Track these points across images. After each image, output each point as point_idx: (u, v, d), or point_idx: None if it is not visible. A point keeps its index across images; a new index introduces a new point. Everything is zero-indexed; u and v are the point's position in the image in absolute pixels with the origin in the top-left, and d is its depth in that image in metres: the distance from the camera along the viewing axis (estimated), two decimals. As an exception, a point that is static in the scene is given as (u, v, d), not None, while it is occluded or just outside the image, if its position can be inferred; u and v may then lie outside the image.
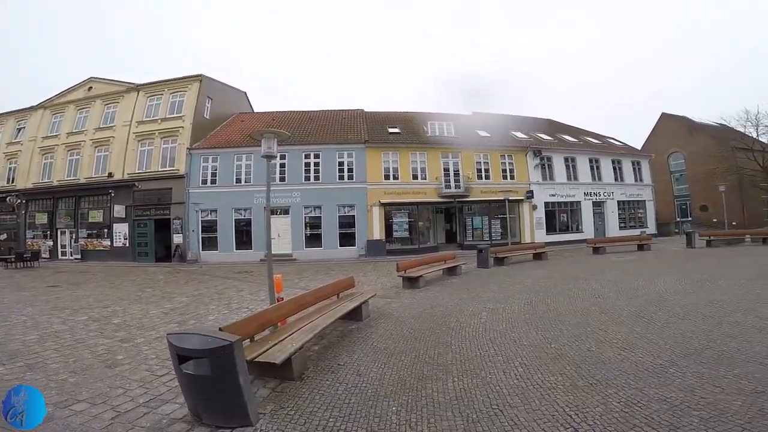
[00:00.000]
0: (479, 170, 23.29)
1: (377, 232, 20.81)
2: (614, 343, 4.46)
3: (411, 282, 9.79)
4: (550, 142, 25.97)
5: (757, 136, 26.45)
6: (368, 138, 22.00)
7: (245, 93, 30.56)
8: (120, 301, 9.31)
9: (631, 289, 7.96)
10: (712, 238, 17.92)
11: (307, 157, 21.37)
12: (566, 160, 25.31)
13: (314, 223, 21.09)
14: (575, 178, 25.25)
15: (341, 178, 21.33)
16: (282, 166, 21.21)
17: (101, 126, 23.47)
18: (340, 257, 19.88)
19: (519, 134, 25.85)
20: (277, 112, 27.19)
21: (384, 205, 21.12)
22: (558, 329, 5.30)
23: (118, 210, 21.53)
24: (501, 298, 7.90)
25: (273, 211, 21.04)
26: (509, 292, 8.47)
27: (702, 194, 33.06)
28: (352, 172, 21.40)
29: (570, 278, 10.02)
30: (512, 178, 23.69)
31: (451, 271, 11.87)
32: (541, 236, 22.90)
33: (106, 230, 22.00)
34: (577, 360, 4.01)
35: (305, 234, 20.87)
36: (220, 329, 3.42)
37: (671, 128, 35.98)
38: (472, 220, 23.24)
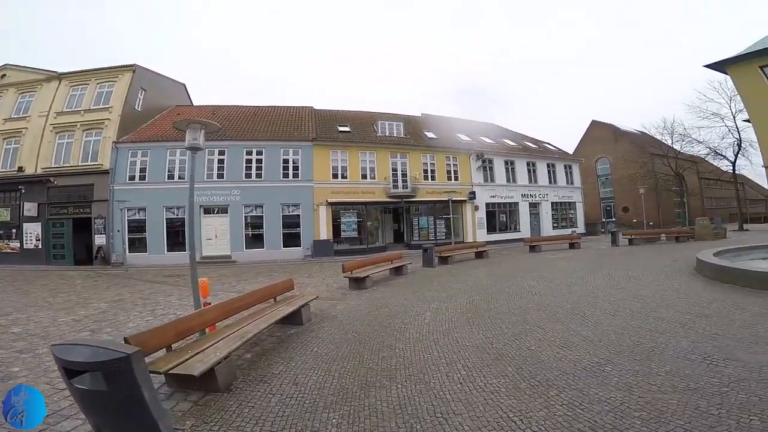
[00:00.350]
0: (426, 171, 23.67)
1: (324, 232, 20.30)
2: (553, 342, 4.55)
3: (357, 283, 9.54)
4: (493, 145, 27.13)
5: (672, 143, 29.68)
6: (316, 135, 21.40)
7: (184, 85, 28.42)
8: (26, 308, 8.15)
9: (565, 286, 8.36)
10: (633, 237, 19.71)
11: (249, 153, 20.26)
12: (506, 163, 26.59)
13: (256, 223, 20.06)
14: (514, 181, 26.60)
15: (286, 176, 20.49)
16: (221, 162, 19.95)
17: (12, 116, 20.51)
18: (284, 258, 19.10)
19: (464, 137, 26.69)
20: (219, 105, 25.56)
21: (331, 204, 20.66)
22: (498, 328, 5.35)
23: (29, 208, 18.89)
24: (444, 297, 7.92)
25: (210, 210, 19.69)
26: (452, 291, 8.54)
27: (624, 197, 36.59)
28: (298, 170, 20.68)
29: (509, 276, 10.38)
30: (456, 179, 24.37)
31: (398, 271, 11.81)
32: (483, 236, 23.83)
33: (14, 230, 19.22)
34: (519, 361, 4.00)
35: (246, 234, 19.77)
36: (125, 339, 3.00)
37: (599, 135, 39.45)
38: (418, 220, 23.55)
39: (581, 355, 4.02)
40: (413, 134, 25.04)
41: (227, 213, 19.64)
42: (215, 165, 19.85)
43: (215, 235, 19.58)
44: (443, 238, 22.99)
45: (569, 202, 29.55)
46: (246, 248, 19.52)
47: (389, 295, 8.58)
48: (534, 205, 27.44)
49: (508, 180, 26.40)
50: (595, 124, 40.91)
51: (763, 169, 19.60)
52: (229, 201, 19.61)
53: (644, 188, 27.65)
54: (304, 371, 4.14)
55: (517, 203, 26.61)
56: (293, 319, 6.06)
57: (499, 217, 26.24)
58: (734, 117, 24.77)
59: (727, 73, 19.89)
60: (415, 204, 23.26)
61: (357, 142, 22.24)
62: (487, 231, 24.81)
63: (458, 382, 3.58)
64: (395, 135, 24.05)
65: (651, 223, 31.20)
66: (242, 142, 20.21)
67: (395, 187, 22.25)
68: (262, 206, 19.91)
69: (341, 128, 23.40)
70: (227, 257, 19.07)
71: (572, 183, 29.92)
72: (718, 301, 5.93)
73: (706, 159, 29.61)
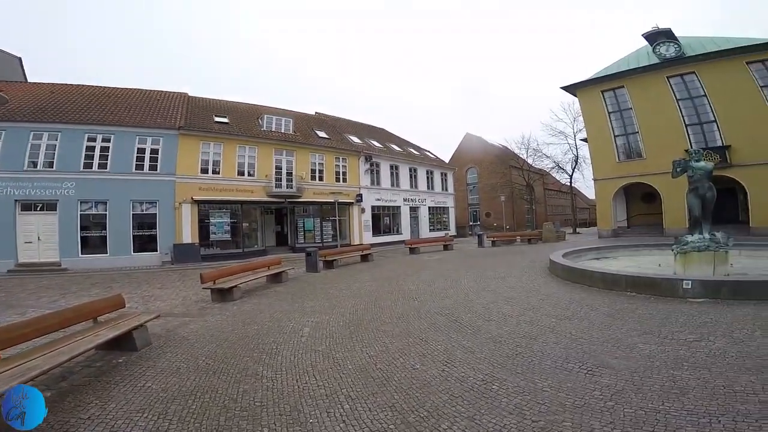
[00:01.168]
0: (314, 171, 22.67)
1: (188, 235, 17.51)
2: (436, 357, 4.18)
3: (222, 294, 8.09)
4: (381, 149, 27.59)
5: (527, 157, 34.59)
6: (185, 124, 18.37)
7: (20, 59, 21.86)
8: None
9: (442, 289, 8.37)
10: (495, 239, 22.02)
11: (92, 140, 16.30)
12: (392, 167, 27.32)
13: (97, 223, 16.20)
14: (398, 185, 27.50)
15: (140, 168, 17.07)
16: (50, 148, 15.61)
17: None
18: (136, 265, 15.82)
19: (354, 138, 26.50)
20: (61, 84, 19.99)
21: (198, 202, 17.97)
22: (382, 343, 4.82)
23: None
24: (327, 307, 7.18)
25: (31, 206, 15.24)
26: (335, 300, 7.85)
27: (487, 203, 41.39)
28: (157, 161, 17.40)
29: (392, 279, 10.21)
30: (344, 180, 23.97)
31: (276, 278, 10.60)
32: (368, 238, 23.92)
33: None
34: (405, 385, 3.48)
35: (81, 236, 15.79)
36: None
37: (470, 146, 43.96)
38: (304, 222, 22.37)
39: (466, 372, 3.70)
40: (303, 132, 23.79)
41: (56, 210, 15.41)
42: (42, 151, 15.43)
43: (38, 238, 15.20)
44: (330, 240, 22.28)
45: (444, 207, 31.95)
46: (82, 254, 15.63)
47: (262, 307, 7.43)
48: (414, 209, 28.81)
49: (392, 184, 27.13)
50: (468, 136, 45.55)
51: (593, 181, 24.03)
52: (60, 195, 15.44)
53: (504, 196, 31.53)
54: (128, 415, 3.06)
55: (399, 207, 27.53)
56: (124, 345, 4.65)
57: (384, 219, 26.76)
58: (575, 136, 30.13)
59: (576, 96, 24.05)
60: (300, 205, 22.02)
61: (236, 135, 19.94)
62: (373, 233, 25.02)
63: (341, 421, 2.86)
64: (283, 131, 22.44)
65: (508, 227, 35.84)
66: (84, 126, 16.13)
67: (278, 186, 20.65)
68: (105, 203, 16.18)
69: (218, 119, 20.74)
70: (55, 264, 15.02)
71: (447, 189, 32.45)
72: (575, 303, 6.40)
73: (550, 172, 35.46)
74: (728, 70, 17.92)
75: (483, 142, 43.81)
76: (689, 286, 6.27)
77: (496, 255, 15.88)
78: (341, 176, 23.95)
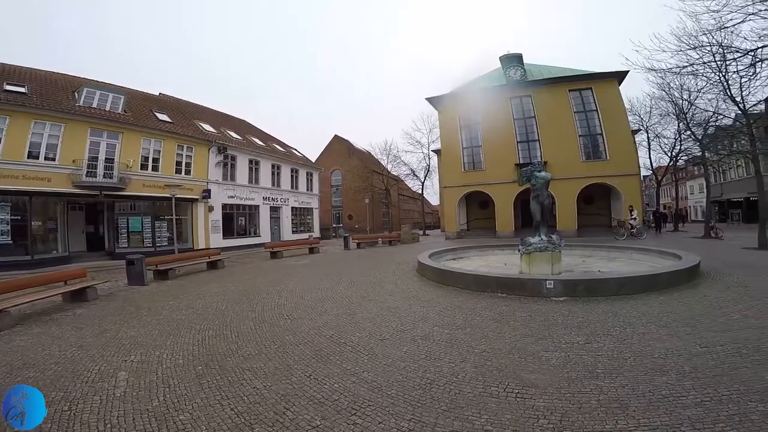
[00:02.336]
0: (146, 159, 18.32)
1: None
2: (339, 404, 3.07)
3: (-30, 331, 5.12)
4: (239, 141, 24.45)
5: (387, 163, 35.92)
6: None
7: None
8: None
9: (317, 302, 7.21)
10: (360, 241, 21.91)
11: None
12: (251, 162, 24.53)
13: None
14: (257, 182, 24.88)
15: None
16: None
17: None
18: None
19: (206, 126, 22.71)
20: None
21: (-51, 189, 12.18)
22: (252, 390, 3.42)
23: None
24: (156, 336, 5.20)
25: None
26: (170, 324, 5.85)
27: (350, 205, 41.80)
28: None
29: (252, 293, 8.39)
30: (188, 173, 20.21)
31: (79, 296, 7.63)
32: (218, 241, 20.79)
33: None
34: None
35: None
36: None
37: (338, 149, 43.69)
38: (128, 222, 17.81)
39: (386, 423, 2.72)
40: (137, 112, 19.00)
41: None
42: None
43: None
44: (165, 244, 18.31)
45: (308, 208, 30.60)
46: None
47: (48, 341, 4.96)
48: (275, 209, 26.61)
49: (251, 180, 24.36)
50: (336, 139, 45.22)
51: (439, 188, 26.20)
52: None
53: (368, 199, 32.13)
54: None
55: (258, 206, 24.94)
56: None
57: (238, 220, 23.76)
58: (429, 146, 32.74)
59: (437, 108, 25.93)
60: (124, 200, 17.45)
61: (33, 108, 14.40)
62: (224, 235, 21.86)
63: None
64: (108, 109, 17.40)
65: (368, 229, 36.83)
66: None
67: (91, 174, 15.86)
68: None
69: (11, 87, 14.67)
70: None
71: (312, 190, 31.20)
72: (458, 309, 6.14)
73: (405, 179, 37.93)
74: (554, 96, 22.02)
75: (349, 145, 44.18)
76: (551, 286, 6.74)
77: (364, 257, 15.52)
78: (184, 167, 20.09)
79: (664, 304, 5.79)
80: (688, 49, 9.68)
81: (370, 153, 39.86)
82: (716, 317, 5.07)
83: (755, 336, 4.24)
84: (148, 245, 17.84)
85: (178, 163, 19.86)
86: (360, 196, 36.07)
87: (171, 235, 18.45)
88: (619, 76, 20.89)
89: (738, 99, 12.99)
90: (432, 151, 33.09)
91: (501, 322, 5.21)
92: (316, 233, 30.31)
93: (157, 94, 24.50)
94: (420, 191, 34.78)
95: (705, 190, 36.28)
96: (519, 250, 9.46)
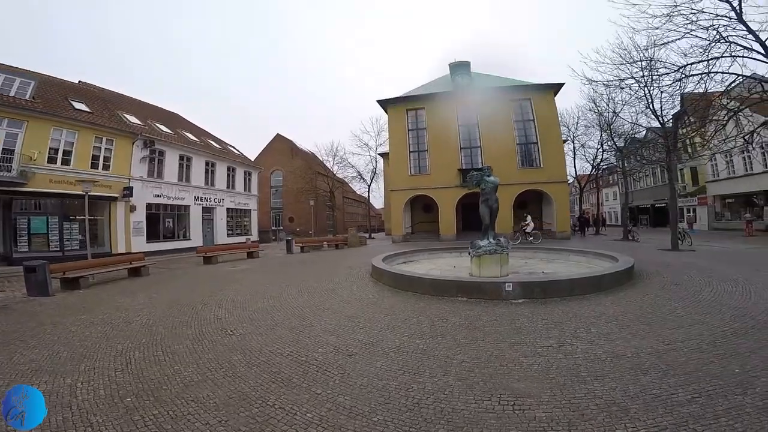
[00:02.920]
0: (55, 151, 15.84)
1: None
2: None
3: None
4: (169, 135, 22.16)
5: (333, 165, 34.95)
6: None
7: None
8: None
9: (265, 312, 6.49)
10: (304, 245, 20.97)
11: None
12: (182, 158, 22.41)
13: None
14: (188, 180, 22.81)
15: None
16: None
17: None
18: None
19: (131, 117, 20.24)
20: None
21: None
22: (204, 425, 2.79)
23: None
24: (65, 359, 4.26)
25: None
26: (83, 344, 4.86)
27: (291, 207, 40.21)
28: None
29: (185, 304, 7.31)
30: (107, 168, 17.88)
31: (-41, 317, 6.11)
32: (141, 244, 18.67)
33: None
34: None
35: None
36: None
37: (280, 148, 41.78)
38: (29, 221, 15.21)
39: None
40: (49, 99, 16.35)
41: None
42: None
43: None
44: (77, 248, 15.93)
45: (246, 209, 28.79)
46: None
47: None
48: (208, 210, 24.61)
49: (181, 178, 22.23)
50: (278, 137, 43.22)
51: (385, 192, 26.12)
52: None
53: (313, 201, 31.06)
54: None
55: (188, 206, 22.85)
56: None
57: (165, 221, 21.54)
58: (376, 148, 32.51)
59: (387, 110, 25.74)
60: (25, 197, 14.86)
61: None
62: (148, 239, 19.66)
63: None
64: (13, 95, 14.69)
65: (311, 232, 35.69)
66: None
67: (-20, 165, 13.24)
68: None
69: None
70: None
71: (250, 190, 29.41)
72: (423, 315, 5.83)
73: (351, 182, 37.46)
74: (496, 105, 22.87)
75: (292, 145, 42.53)
76: (510, 289, 6.75)
77: (311, 262, 14.74)
78: (102, 162, 17.71)
79: (615, 304, 6.04)
80: (621, 64, 10.54)
81: (314, 154, 38.76)
82: (665, 315, 5.36)
83: (706, 331, 4.50)
84: (55, 249, 15.42)
85: (95, 158, 17.46)
86: (302, 198, 34.85)
87: (83, 238, 16.03)
88: (555, 87, 22.51)
89: (659, 113, 14.57)
90: (378, 154, 33.04)
91: (470, 329, 5.02)
92: (255, 236, 28.62)
93: (77, 81, 21.45)
94: (366, 194, 34.48)
95: (618, 197, 40.92)
96: (469, 253, 9.50)
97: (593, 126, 24.66)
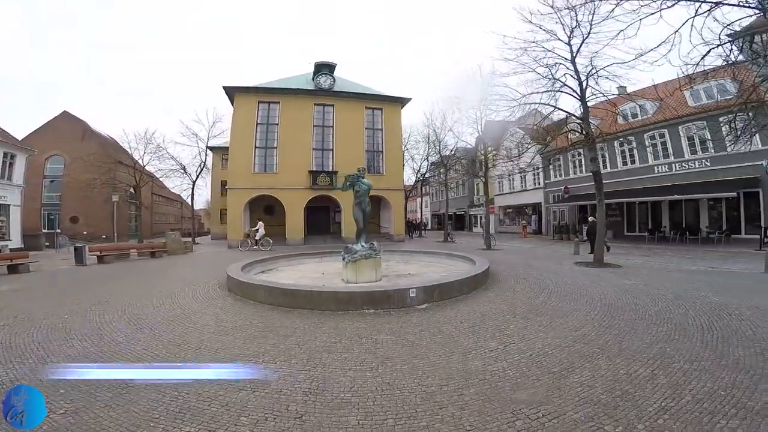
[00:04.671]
0: None
1: None
2: None
3: None
4: None
5: (144, 153, 27.71)
6: None
7: None
8: None
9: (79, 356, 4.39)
10: (105, 253, 16.14)
11: None
12: None
13: None
14: None
15: None
16: None
17: None
18: None
19: None
20: None
21: None
22: None
23: None
24: None
25: None
26: None
27: (75, 204, 30.65)
28: None
29: None
30: None
31: None
32: None
33: None
34: None
35: None
36: None
37: (66, 129, 31.00)
38: None
39: None
40: None
41: None
42: None
43: None
44: None
45: (1, 205, 20.30)
46: None
47: None
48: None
49: None
50: (65, 116, 31.84)
51: (211, 190, 23.08)
52: None
53: (117, 197, 24.40)
54: None
55: None
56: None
57: None
58: (208, 140, 27.69)
59: (233, 99, 22.39)
60: None
61: None
62: None
63: None
64: None
65: (104, 236, 28.09)
66: None
67: None
68: None
69: None
70: None
71: (11, 179, 20.88)
72: (346, 338, 4.91)
73: (167, 177, 30.95)
74: (352, 110, 23.26)
75: (85, 126, 32.20)
76: (414, 295, 6.67)
77: (123, 278, 11.03)
78: None
79: (506, 301, 6.75)
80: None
81: (116, 141, 30.51)
82: (543, 306, 6.32)
83: (581, 318, 5.47)
84: None
85: None
86: (93, 193, 27.01)
87: None
88: (404, 102, 24.66)
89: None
90: (209, 147, 28.71)
91: (408, 345, 4.54)
92: (16, 242, 20.53)
93: None
94: (189, 191, 29.27)
95: (429, 206, 48.21)
96: (344, 258, 9.15)
97: (423, 140, 28.26)
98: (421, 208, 36.89)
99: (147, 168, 28.89)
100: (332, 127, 23.14)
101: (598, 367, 3.72)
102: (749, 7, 5.25)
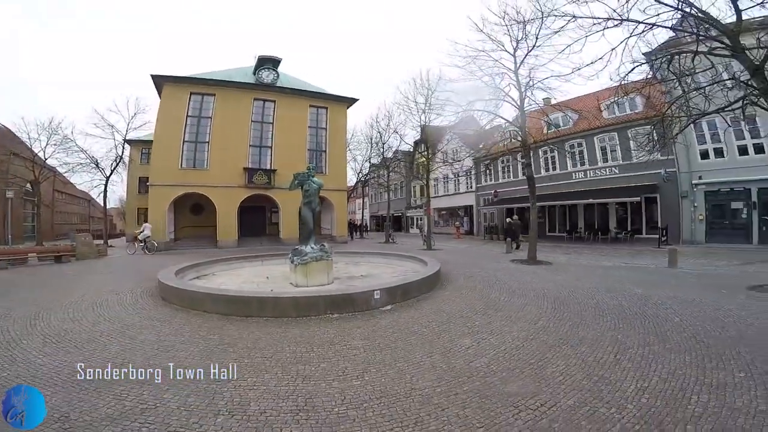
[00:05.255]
0: None
1: None
2: None
3: None
4: None
5: (47, 146, 23.55)
6: None
7: None
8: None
9: None
10: (-6, 258, 13.52)
11: None
12: None
13: None
14: None
15: None
16: None
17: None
18: None
19: None
20: None
21: None
22: None
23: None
24: None
25: None
26: None
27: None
28: None
29: None
30: None
31: None
32: None
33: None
34: None
35: None
36: None
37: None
38: None
39: None
40: None
41: None
42: None
43: None
44: None
45: None
46: None
47: None
48: None
49: None
50: None
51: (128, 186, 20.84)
52: None
53: (12, 193, 20.57)
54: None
55: None
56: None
57: None
58: (126, 132, 24.48)
59: (161, 89, 20.13)
60: None
61: None
62: None
63: None
64: None
65: (8, 238, 23.75)
66: None
67: None
68: None
69: None
70: None
71: None
72: (319, 347, 4.56)
73: (74, 172, 26.83)
74: (296, 107, 22.34)
75: None
76: (378, 296, 6.54)
77: (25, 286, 9.29)
78: None
79: (463, 298, 6.94)
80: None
81: (9, 130, 25.64)
82: (498, 302, 6.64)
83: (535, 312, 5.83)
84: None
85: None
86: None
87: None
88: (350, 102, 24.29)
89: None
90: (126, 140, 25.53)
91: (386, 349, 4.39)
92: None
93: None
94: (102, 189, 25.65)
95: (368, 207, 48.44)
96: (293, 261, 8.76)
97: (366, 141, 28.33)
98: (362, 210, 36.88)
99: (49, 161, 24.87)
100: (272, 123, 22.02)
101: (568, 356, 3.95)
102: (680, 30, 6.05)
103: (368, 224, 50.55)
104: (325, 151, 23.63)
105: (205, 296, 6.71)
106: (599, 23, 6.07)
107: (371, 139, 27.31)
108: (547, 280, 8.75)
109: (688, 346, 4.15)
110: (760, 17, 7.05)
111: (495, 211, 27.75)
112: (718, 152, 16.49)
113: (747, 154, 15.68)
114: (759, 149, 15.28)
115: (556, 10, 6.77)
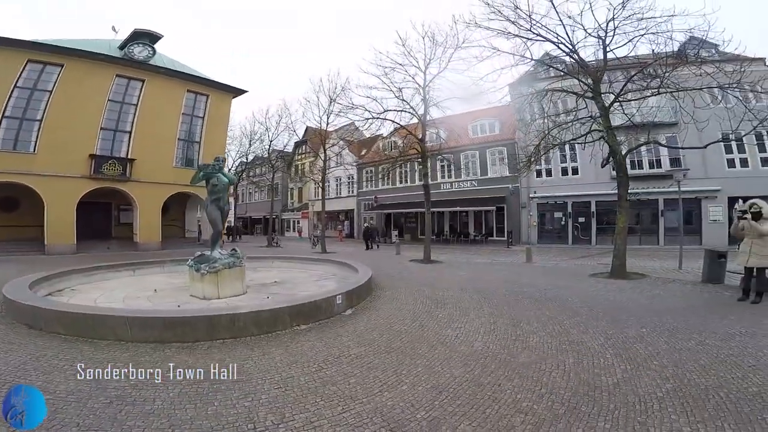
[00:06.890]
0: None
1: None
2: None
3: None
4: None
5: None
6: None
7: None
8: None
9: None
10: None
11: None
12: None
13: None
14: None
15: None
16: None
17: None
18: None
19: None
20: None
21: None
22: None
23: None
24: None
25: None
26: None
27: None
28: None
29: None
30: None
31: None
32: None
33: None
34: None
35: None
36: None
37: None
38: None
39: None
40: None
41: None
42: None
43: None
44: None
45: None
46: None
47: None
48: None
49: None
50: None
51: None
52: None
53: None
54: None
55: None
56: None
57: None
58: None
59: None
60: None
61: None
62: None
63: None
64: None
65: None
66: None
67: None
68: None
69: None
70: None
71: None
72: (281, 378, 4.35)
73: None
74: (169, 90, 19.08)
75: None
76: (340, 302, 6.29)
77: None
78: None
79: (409, 296, 7.32)
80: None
81: None
82: (440, 297, 7.20)
83: (476, 305, 6.61)
84: None
85: None
86: None
87: None
88: (237, 93, 21.82)
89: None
90: None
91: (379, 354, 4.29)
92: None
93: None
94: None
95: (236, 207, 44.40)
96: (198, 270, 7.56)
97: (246, 136, 26.24)
98: (233, 211, 33.62)
99: None
100: (136, 105, 18.20)
101: (546, 344, 4.48)
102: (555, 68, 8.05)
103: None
104: (198, 142, 20.80)
105: (117, 319, 5.06)
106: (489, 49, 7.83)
107: (251, 135, 25.40)
108: (454, 276, 9.95)
109: (583, 311, 5.60)
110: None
111: (375, 216, 29.24)
112: (548, 172, 21.42)
113: (567, 174, 20.86)
114: (575, 171, 20.54)
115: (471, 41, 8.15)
